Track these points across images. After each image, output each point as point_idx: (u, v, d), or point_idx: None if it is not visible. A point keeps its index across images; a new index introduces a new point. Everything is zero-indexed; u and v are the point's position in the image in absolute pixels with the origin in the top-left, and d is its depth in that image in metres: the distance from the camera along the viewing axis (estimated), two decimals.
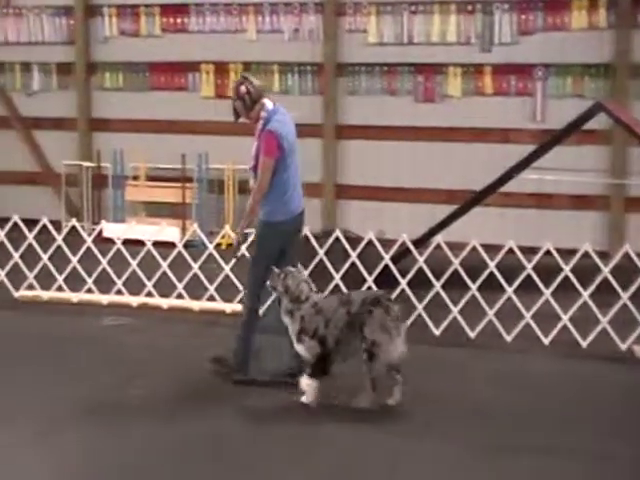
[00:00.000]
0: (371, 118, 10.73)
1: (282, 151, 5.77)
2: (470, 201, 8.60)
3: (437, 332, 7.03)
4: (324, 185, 10.93)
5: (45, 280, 7.95)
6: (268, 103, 5.91)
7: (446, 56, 10.50)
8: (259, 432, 5.13)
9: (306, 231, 7.45)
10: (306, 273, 6.01)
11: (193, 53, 11.19)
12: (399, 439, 5.01)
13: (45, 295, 7.94)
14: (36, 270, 7.93)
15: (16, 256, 7.90)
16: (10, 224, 7.96)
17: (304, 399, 5.46)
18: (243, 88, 5.83)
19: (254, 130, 5.90)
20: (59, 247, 7.96)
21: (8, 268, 7.92)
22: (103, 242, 8.55)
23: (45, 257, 7.92)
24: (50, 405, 5.47)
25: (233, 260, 6.55)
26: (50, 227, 8.04)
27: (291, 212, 5.93)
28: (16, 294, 7.93)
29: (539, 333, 6.85)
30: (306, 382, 5.46)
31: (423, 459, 4.80)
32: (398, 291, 7.13)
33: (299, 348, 5.52)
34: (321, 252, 7.35)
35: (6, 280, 7.89)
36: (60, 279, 7.90)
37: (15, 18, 11.84)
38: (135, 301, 7.80)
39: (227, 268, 7.56)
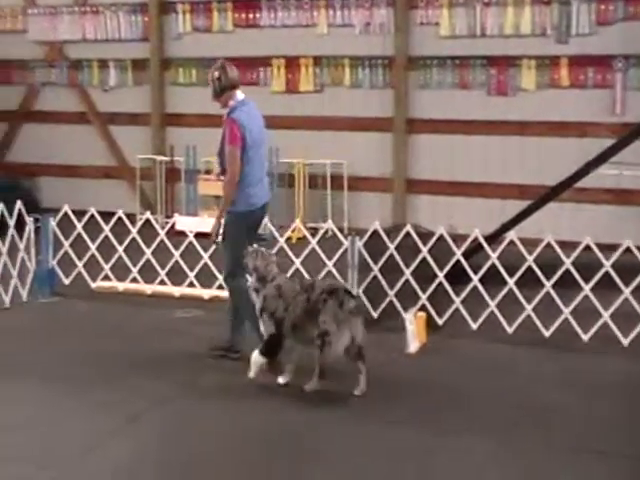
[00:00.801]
0: (442, 112, 10.61)
1: (244, 142, 5.92)
2: (545, 196, 8.41)
3: (510, 330, 6.91)
4: (394, 179, 10.87)
5: (120, 271, 8.13)
6: (239, 95, 6.09)
7: (520, 48, 10.29)
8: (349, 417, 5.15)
9: (376, 226, 7.44)
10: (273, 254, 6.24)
11: (264, 48, 11.27)
12: (464, 438, 4.95)
13: (120, 286, 8.12)
14: (112, 262, 8.13)
15: (93, 248, 8.10)
16: (87, 216, 8.15)
17: (250, 374, 5.74)
18: (216, 74, 6.04)
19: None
20: (134, 239, 8.13)
21: (85, 259, 8.13)
22: (176, 235, 8.69)
23: (120, 249, 8.09)
24: (130, 395, 5.61)
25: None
26: (125, 220, 8.22)
27: (254, 204, 6.14)
28: (93, 285, 8.13)
29: (618, 333, 6.65)
30: (254, 357, 5.74)
31: (491, 460, 4.72)
32: (470, 287, 7.04)
33: (260, 324, 5.86)
34: (391, 247, 7.30)
35: (83, 271, 8.10)
36: (135, 271, 8.07)
37: (92, 16, 12.13)
38: (206, 294, 7.91)
39: (297, 262, 7.59)
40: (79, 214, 8.14)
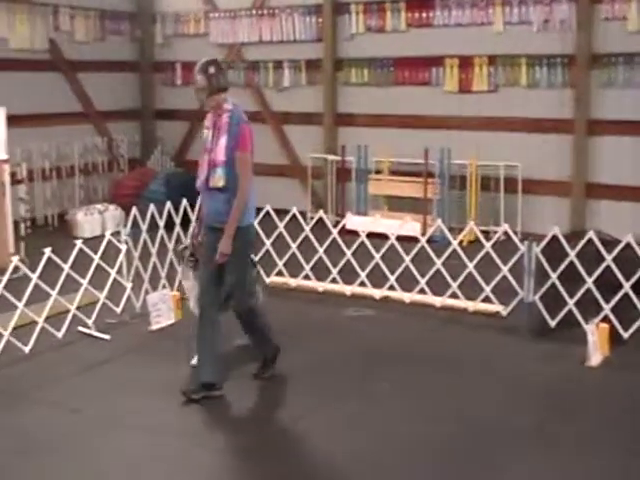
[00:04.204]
0: (628, 113, 10.00)
1: (252, 147, 5.49)
2: None
3: None
4: (573, 183, 10.39)
5: (293, 268, 8.30)
6: (229, 98, 5.49)
7: None
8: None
9: (555, 231, 7.13)
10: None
11: (437, 47, 11.13)
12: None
13: (293, 282, 8.29)
14: (285, 258, 8.31)
15: (267, 244, 8.32)
16: (262, 213, 8.37)
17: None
18: (212, 70, 5.36)
19: (209, 119, 5.52)
20: (306, 237, 8.27)
21: (260, 255, 8.36)
22: (346, 234, 8.76)
23: (294, 246, 8.26)
24: (306, 392, 5.70)
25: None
26: (299, 218, 8.38)
27: (253, 216, 5.68)
28: (267, 280, 8.36)
29: None
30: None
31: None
32: None
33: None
34: (572, 254, 6.97)
35: (259, 266, 8.32)
36: (307, 268, 8.21)
37: (269, 18, 12.48)
38: (377, 294, 7.91)
39: (471, 266, 7.43)
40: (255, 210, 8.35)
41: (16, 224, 8.98)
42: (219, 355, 5.57)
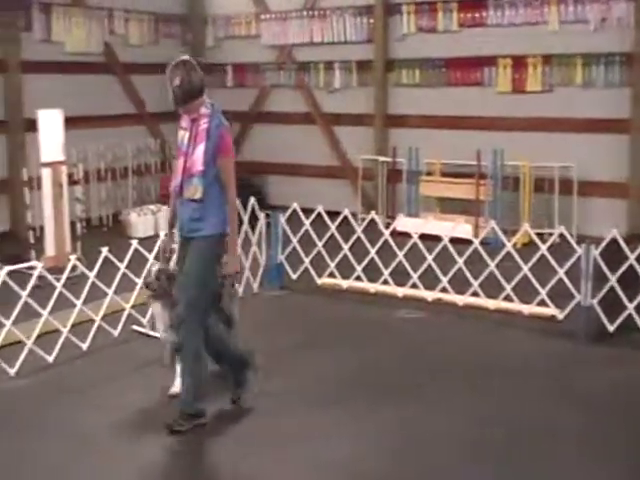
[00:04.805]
0: None
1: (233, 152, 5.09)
2: None
3: None
4: (630, 185, 10.17)
5: (344, 269, 8.27)
6: (207, 100, 5.04)
7: None
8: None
9: (614, 234, 6.98)
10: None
11: (490, 47, 10.99)
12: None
13: (344, 284, 8.27)
14: (337, 259, 8.29)
15: (319, 245, 8.30)
16: (314, 215, 8.37)
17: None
18: (182, 74, 4.89)
19: (185, 120, 5.05)
20: (358, 238, 8.24)
21: (312, 256, 8.36)
22: (397, 235, 8.70)
23: (346, 247, 8.23)
24: (353, 389, 5.68)
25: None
26: (351, 219, 8.35)
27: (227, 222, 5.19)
28: (319, 281, 8.34)
29: None
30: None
31: None
32: None
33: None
34: (631, 257, 6.81)
35: (310, 267, 8.33)
36: (359, 269, 8.17)
37: (319, 20, 12.48)
38: (430, 296, 7.84)
39: (526, 268, 7.31)
40: (304, 212, 8.37)
41: (72, 224, 9.15)
42: (204, 381, 5.12)
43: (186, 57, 5.01)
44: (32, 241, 9.02)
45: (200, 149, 4.90)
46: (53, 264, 7.93)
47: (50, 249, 8.55)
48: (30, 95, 10.60)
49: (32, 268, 6.39)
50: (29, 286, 6.10)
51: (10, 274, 6.16)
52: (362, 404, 5.49)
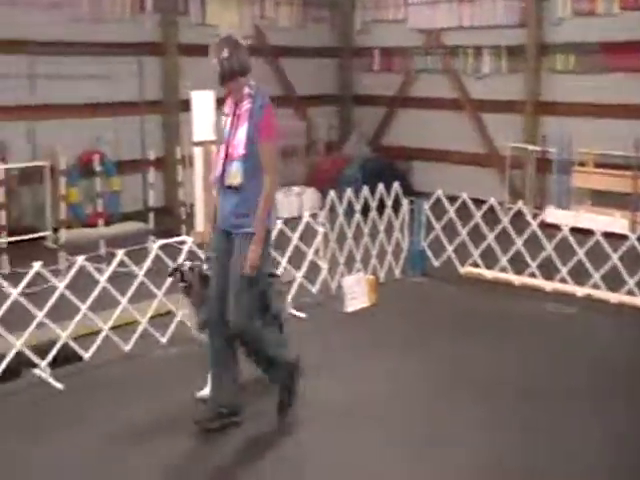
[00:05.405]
0: None
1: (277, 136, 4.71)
2: None
3: None
4: None
5: (488, 259, 8.06)
6: (251, 81, 4.71)
7: None
8: None
9: None
10: None
11: None
12: None
13: (488, 274, 8.05)
14: (481, 249, 8.09)
15: (463, 233, 8.13)
16: (459, 202, 8.20)
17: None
18: (226, 52, 4.57)
19: (228, 105, 4.74)
20: (504, 228, 8.00)
21: (455, 244, 8.19)
22: (545, 227, 8.37)
23: (490, 237, 8.01)
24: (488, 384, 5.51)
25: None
26: (497, 208, 8.12)
27: (275, 218, 4.88)
28: (461, 270, 8.18)
29: None
30: None
31: None
32: None
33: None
34: None
35: (453, 255, 8.18)
36: (504, 260, 7.94)
37: (469, 3, 12.16)
38: (580, 291, 7.49)
39: None
40: (449, 199, 8.21)
41: None
42: (236, 378, 4.86)
43: (232, 34, 4.70)
44: (183, 217, 9.34)
45: (242, 131, 4.58)
46: (201, 240, 8.17)
47: (199, 225, 8.84)
48: (184, 77, 10.98)
49: (183, 243, 6.61)
50: (180, 259, 6.25)
51: (162, 247, 6.40)
52: (506, 402, 5.32)
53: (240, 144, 4.56)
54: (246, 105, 4.60)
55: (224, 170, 4.62)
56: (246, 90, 4.62)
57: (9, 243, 8.21)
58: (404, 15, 12.94)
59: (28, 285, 5.63)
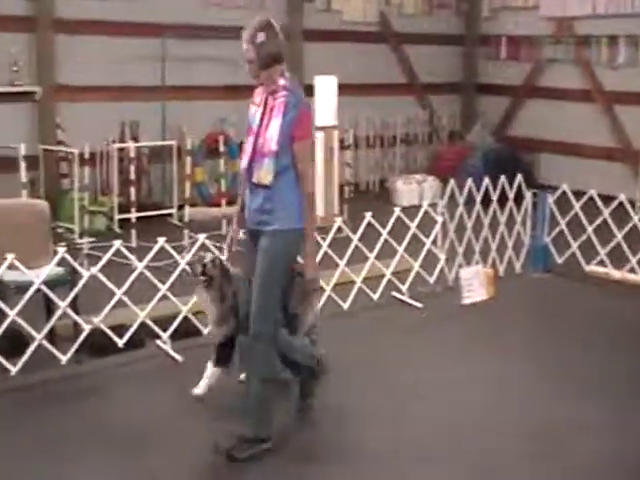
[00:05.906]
0: None
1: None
2: None
3: None
4: None
5: (615, 259, 7.68)
6: (285, 72, 4.29)
7: None
8: None
9: None
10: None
11: None
12: None
13: (616, 274, 7.68)
14: (608, 247, 7.72)
15: (589, 230, 7.78)
16: (586, 197, 7.85)
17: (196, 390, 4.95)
18: (262, 37, 4.16)
19: (258, 94, 4.38)
20: (634, 227, 7.60)
21: (580, 241, 7.86)
22: None
23: (619, 236, 7.63)
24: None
25: None
26: (627, 205, 7.72)
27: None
28: (586, 268, 7.84)
29: None
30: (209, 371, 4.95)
31: None
32: None
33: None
34: None
35: (578, 252, 7.85)
36: (634, 261, 7.54)
37: None
38: None
39: None
40: (576, 194, 7.87)
41: (341, 187, 9.41)
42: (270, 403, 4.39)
43: (268, 18, 4.25)
44: None
45: (275, 125, 4.19)
46: (321, 224, 8.21)
47: (319, 209, 8.87)
48: (308, 62, 11.03)
49: None
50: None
51: None
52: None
53: (272, 139, 4.18)
54: (281, 98, 4.21)
55: (251, 165, 4.29)
56: (282, 81, 4.24)
57: (137, 218, 8.52)
58: (534, 2, 12.50)
59: (153, 259, 5.81)
